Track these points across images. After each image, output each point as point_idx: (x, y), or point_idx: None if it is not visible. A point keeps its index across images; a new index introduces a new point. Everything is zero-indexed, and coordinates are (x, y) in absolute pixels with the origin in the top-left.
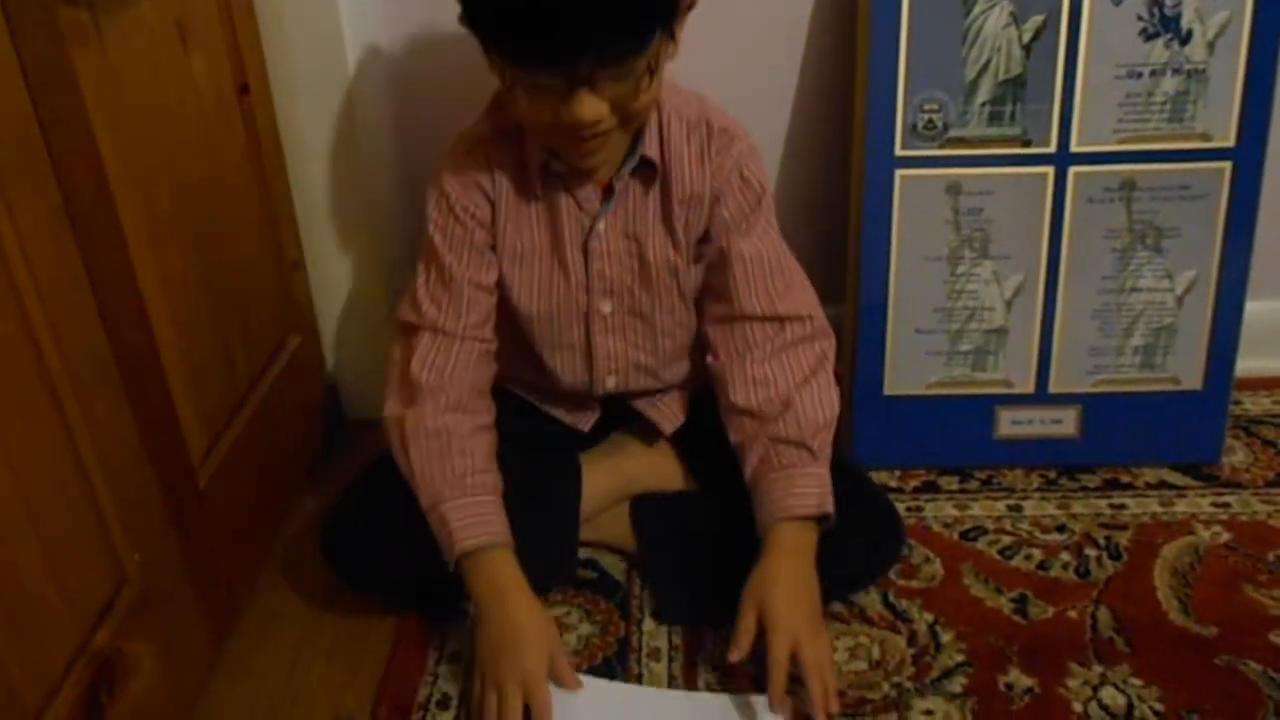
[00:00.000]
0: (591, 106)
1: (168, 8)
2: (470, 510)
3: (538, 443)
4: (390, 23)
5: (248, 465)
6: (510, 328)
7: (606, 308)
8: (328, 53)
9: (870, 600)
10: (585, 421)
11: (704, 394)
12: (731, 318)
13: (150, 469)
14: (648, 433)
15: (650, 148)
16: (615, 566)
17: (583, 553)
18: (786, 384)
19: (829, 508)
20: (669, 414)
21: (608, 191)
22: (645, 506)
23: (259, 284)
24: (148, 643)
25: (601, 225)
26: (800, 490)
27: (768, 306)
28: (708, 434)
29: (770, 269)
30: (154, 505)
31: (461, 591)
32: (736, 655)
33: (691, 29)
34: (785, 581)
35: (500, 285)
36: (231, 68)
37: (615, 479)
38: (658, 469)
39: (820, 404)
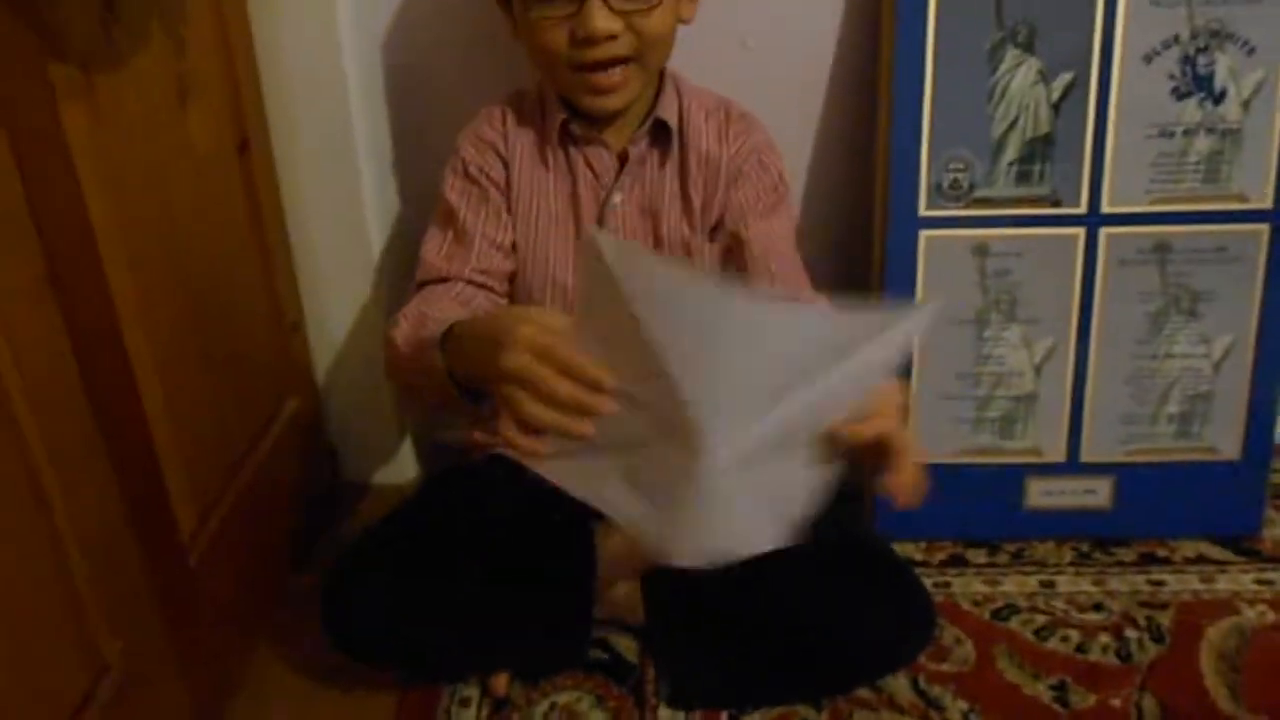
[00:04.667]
0: (604, 17)
1: (168, 63)
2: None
3: (549, 515)
4: (395, 78)
5: (242, 538)
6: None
7: None
8: (332, 108)
9: (899, 686)
10: None
11: None
12: None
13: (136, 548)
14: None
15: (665, 110)
16: (629, 648)
17: (594, 631)
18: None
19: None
20: None
21: (624, 161)
22: (658, 579)
23: (256, 347)
24: None
25: (618, 198)
26: None
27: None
28: None
29: (781, 255)
30: (139, 587)
31: (473, 656)
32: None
33: (708, 85)
34: None
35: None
36: (231, 124)
37: (629, 550)
38: None
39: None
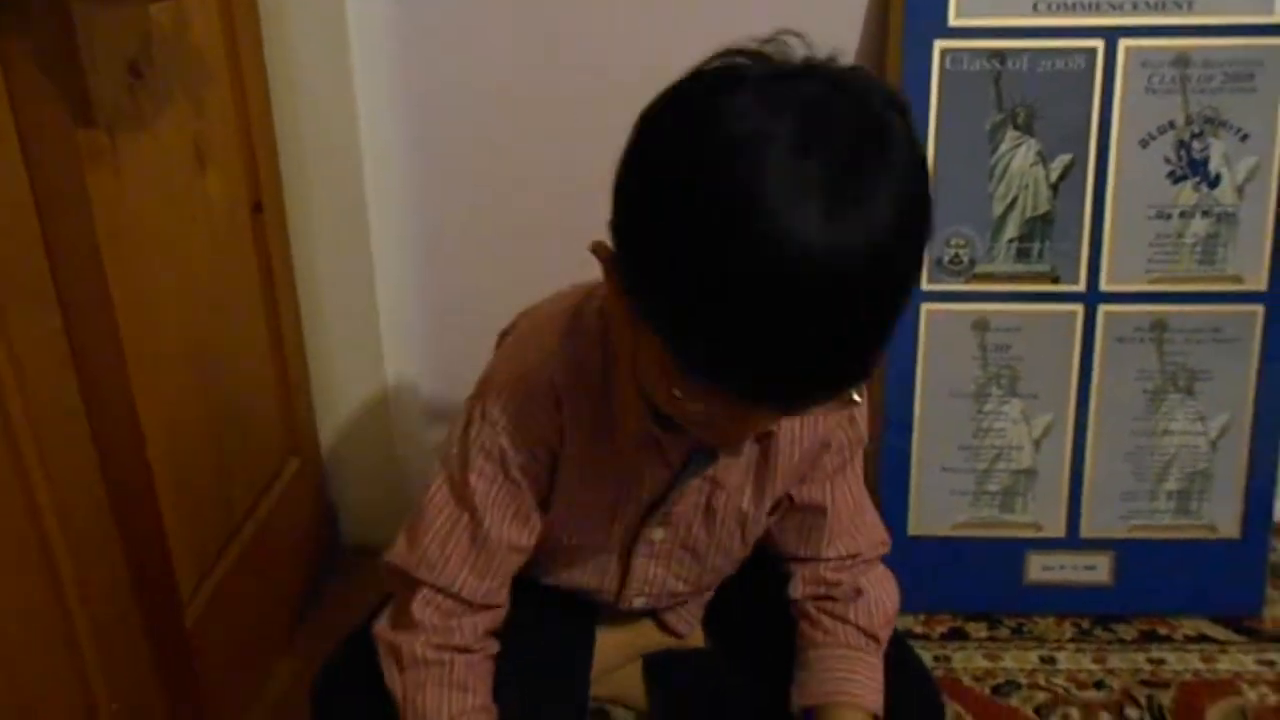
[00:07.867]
0: (768, 424)
1: (186, 127)
2: None
3: (551, 603)
4: (410, 139)
5: (239, 598)
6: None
7: (658, 535)
8: (345, 173)
9: None
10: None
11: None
12: (811, 559)
13: (136, 609)
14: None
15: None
16: None
17: (592, 706)
18: (857, 577)
19: (881, 711)
20: (687, 620)
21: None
22: (660, 663)
23: (260, 406)
24: None
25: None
26: (865, 677)
27: (849, 549)
28: (729, 596)
29: (854, 515)
30: (138, 649)
31: None
32: None
33: None
34: None
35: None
36: (246, 185)
37: (630, 635)
38: None
39: (888, 592)
